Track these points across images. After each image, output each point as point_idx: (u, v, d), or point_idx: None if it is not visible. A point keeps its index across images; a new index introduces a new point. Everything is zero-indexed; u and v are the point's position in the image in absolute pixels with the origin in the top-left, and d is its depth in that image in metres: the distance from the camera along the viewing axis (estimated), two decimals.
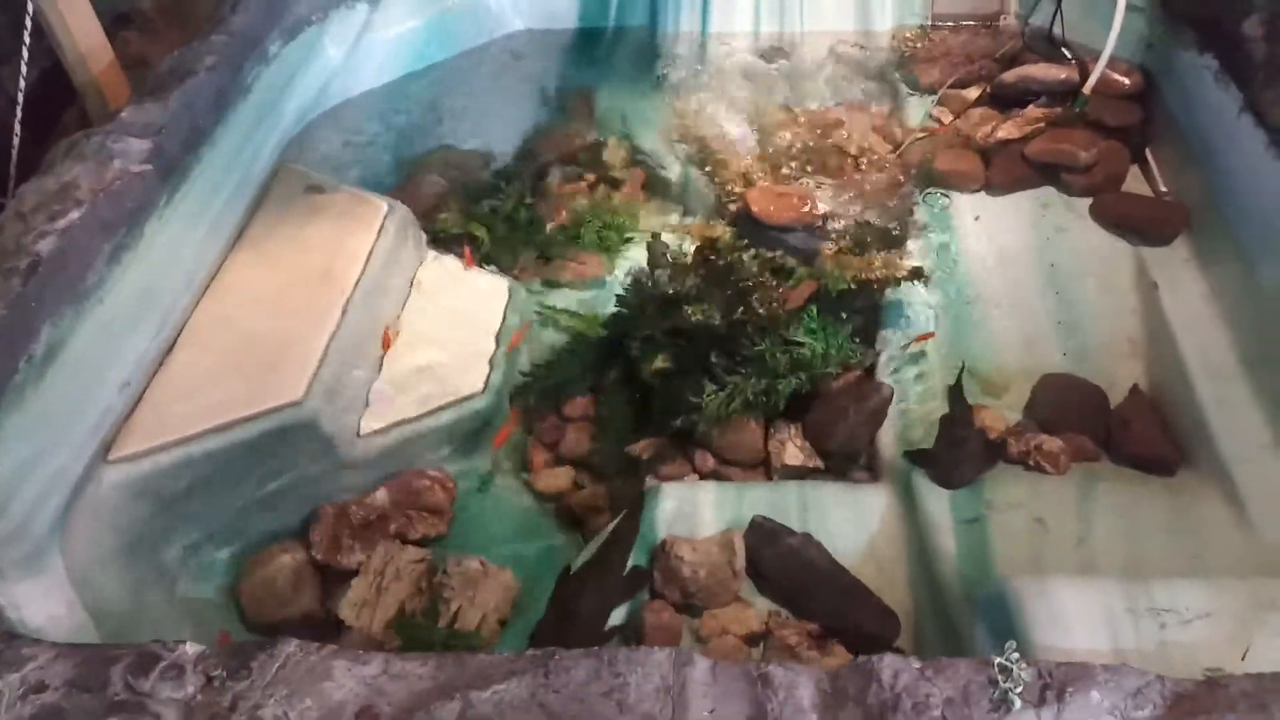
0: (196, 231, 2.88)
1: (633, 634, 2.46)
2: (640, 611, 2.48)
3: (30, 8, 2.91)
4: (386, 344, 2.96)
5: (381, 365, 2.99)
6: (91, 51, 3.24)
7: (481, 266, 3.40)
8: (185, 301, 2.82)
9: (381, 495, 2.78)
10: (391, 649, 2.43)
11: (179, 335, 2.78)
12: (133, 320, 2.58)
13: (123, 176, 2.55)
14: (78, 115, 3.48)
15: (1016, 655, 1.54)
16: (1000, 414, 2.92)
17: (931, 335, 3.10)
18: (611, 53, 4.45)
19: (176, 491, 2.51)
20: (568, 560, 2.64)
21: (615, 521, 2.64)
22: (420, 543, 2.74)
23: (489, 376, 3.02)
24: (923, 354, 3.07)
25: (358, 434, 2.82)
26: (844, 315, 3.04)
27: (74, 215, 2.39)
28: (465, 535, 2.81)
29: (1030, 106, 3.78)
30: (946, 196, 3.60)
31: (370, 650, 1.69)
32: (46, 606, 2.17)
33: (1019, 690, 1.51)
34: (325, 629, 2.53)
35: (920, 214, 3.53)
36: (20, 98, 2.96)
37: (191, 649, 1.65)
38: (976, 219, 3.51)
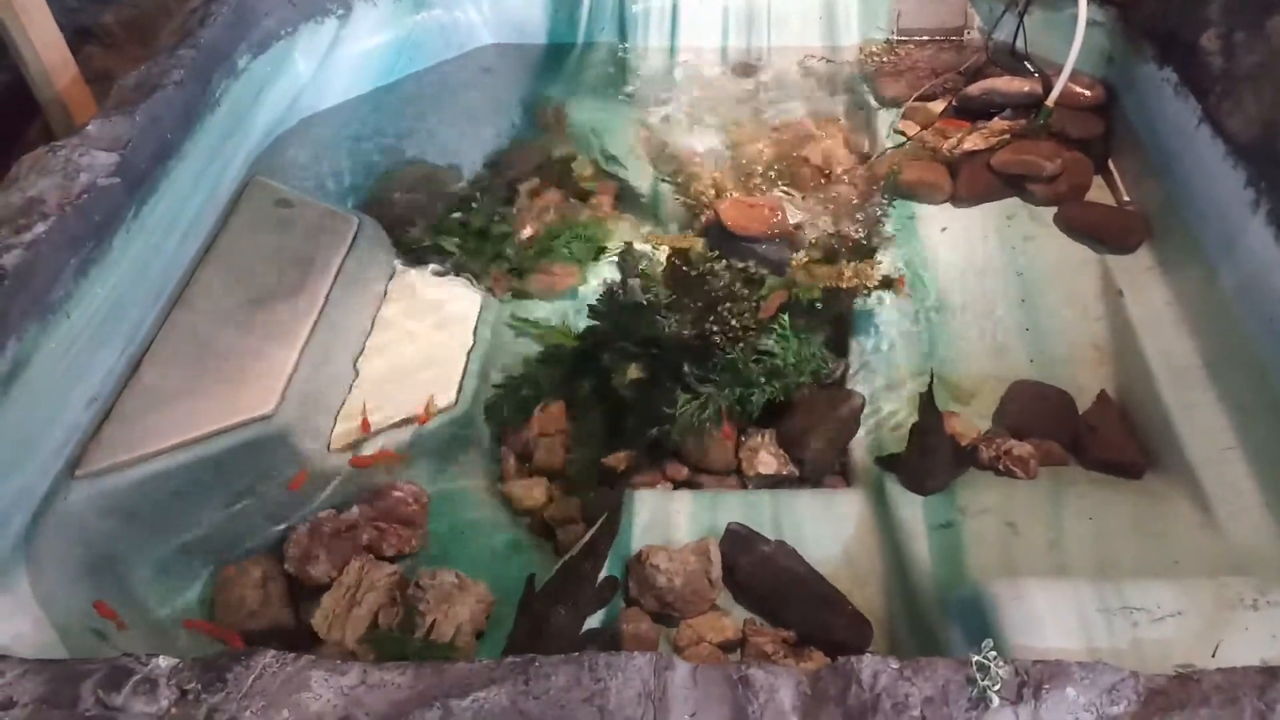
0: (165, 245, 2.86)
1: (610, 643, 2.45)
2: (617, 621, 2.48)
3: None
4: (430, 411, 2.91)
5: (354, 383, 2.98)
6: (55, 66, 3.22)
7: (456, 278, 3.40)
8: (154, 315, 2.80)
9: (354, 509, 2.75)
10: (367, 661, 2.41)
11: (148, 349, 2.75)
12: (100, 335, 2.55)
13: (89, 190, 2.53)
14: (41, 130, 3.45)
15: (994, 654, 1.55)
16: (970, 420, 2.95)
17: (902, 279, 3.21)
18: (581, 67, 4.46)
19: (145, 506, 2.48)
20: (543, 571, 2.62)
21: (591, 531, 2.63)
22: (394, 559, 2.73)
23: (461, 388, 3.01)
24: (893, 361, 3.11)
25: (329, 447, 2.80)
26: (815, 324, 3.06)
27: (40, 229, 2.37)
28: (439, 548, 2.79)
29: (995, 119, 3.83)
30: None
31: (347, 661, 1.68)
32: (12, 625, 2.14)
33: (997, 688, 1.52)
34: (298, 642, 2.50)
35: (889, 224, 3.56)
36: None
37: (164, 662, 1.63)
38: (944, 230, 3.55)
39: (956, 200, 3.67)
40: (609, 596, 2.52)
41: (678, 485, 2.89)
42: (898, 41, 4.38)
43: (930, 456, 2.73)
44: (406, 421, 2.89)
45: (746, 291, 3.07)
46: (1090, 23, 3.69)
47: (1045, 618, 2.13)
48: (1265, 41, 3.01)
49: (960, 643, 2.26)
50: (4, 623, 2.12)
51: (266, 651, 1.63)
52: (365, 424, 2.83)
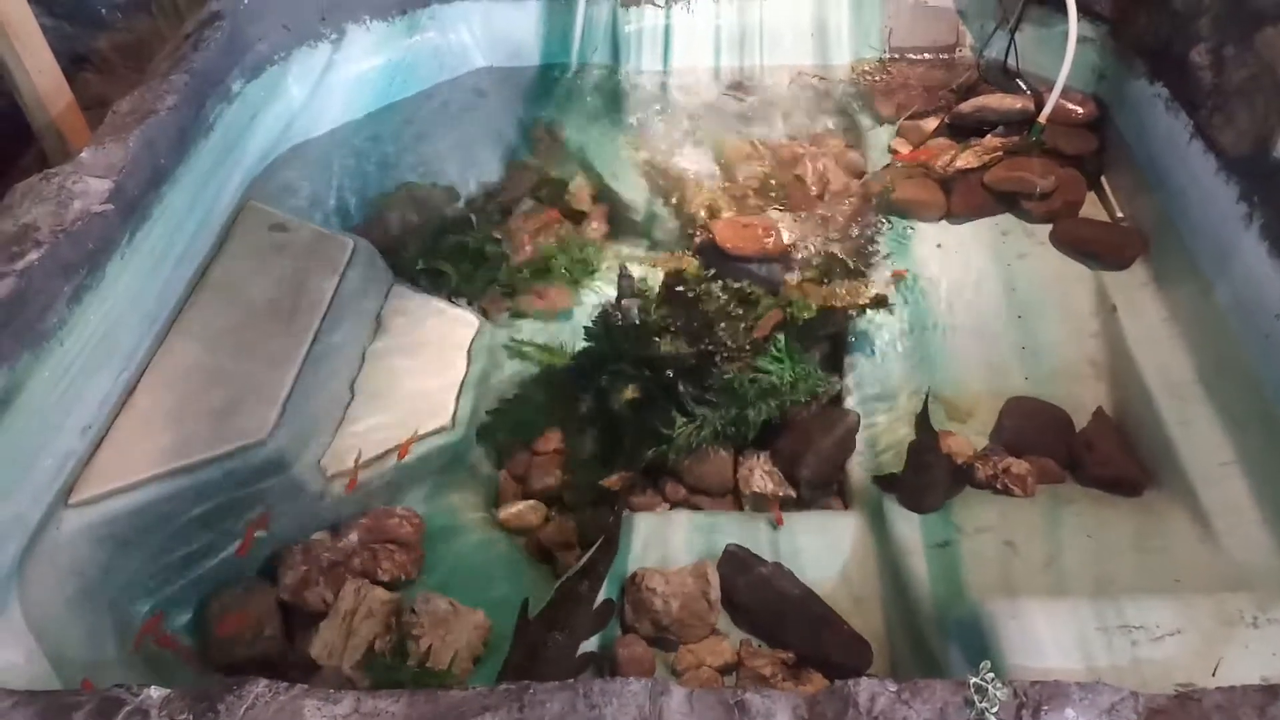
0: (159, 271, 2.85)
1: (606, 668, 2.44)
2: (613, 646, 2.46)
3: None
4: (406, 450, 2.85)
5: (349, 407, 2.97)
6: (49, 93, 3.22)
7: (451, 301, 3.40)
8: (148, 342, 2.79)
9: (350, 534, 2.74)
10: (363, 688, 2.39)
11: (142, 376, 2.74)
12: (94, 362, 2.53)
13: (83, 217, 2.52)
14: (36, 157, 3.45)
15: (992, 675, 1.54)
16: (967, 439, 2.94)
17: (904, 273, 3.27)
18: (575, 89, 4.47)
19: (139, 534, 2.46)
20: (540, 595, 2.61)
21: (587, 554, 2.62)
22: (391, 583, 2.71)
23: (457, 410, 3.00)
24: (889, 380, 3.10)
25: (325, 473, 2.79)
26: (810, 343, 3.06)
27: (33, 257, 2.36)
28: (436, 572, 2.77)
29: (988, 136, 3.84)
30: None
31: (341, 690, 1.66)
32: (4, 655, 2.11)
33: (995, 710, 1.50)
34: (292, 670, 2.48)
35: (883, 242, 3.56)
36: None
37: (156, 693, 1.61)
38: (938, 247, 3.55)
39: (951, 218, 3.68)
40: (605, 620, 2.51)
41: (674, 506, 2.88)
42: (890, 59, 4.40)
43: (927, 475, 2.73)
44: (390, 453, 2.87)
45: (741, 311, 3.08)
46: (1081, 39, 3.70)
47: (1044, 637, 2.12)
48: (1255, 55, 3.02)
49: (960, 661, 2.25)
50: None
51: (259, 681, 1.61)
52: (352, 483, 2.78)
